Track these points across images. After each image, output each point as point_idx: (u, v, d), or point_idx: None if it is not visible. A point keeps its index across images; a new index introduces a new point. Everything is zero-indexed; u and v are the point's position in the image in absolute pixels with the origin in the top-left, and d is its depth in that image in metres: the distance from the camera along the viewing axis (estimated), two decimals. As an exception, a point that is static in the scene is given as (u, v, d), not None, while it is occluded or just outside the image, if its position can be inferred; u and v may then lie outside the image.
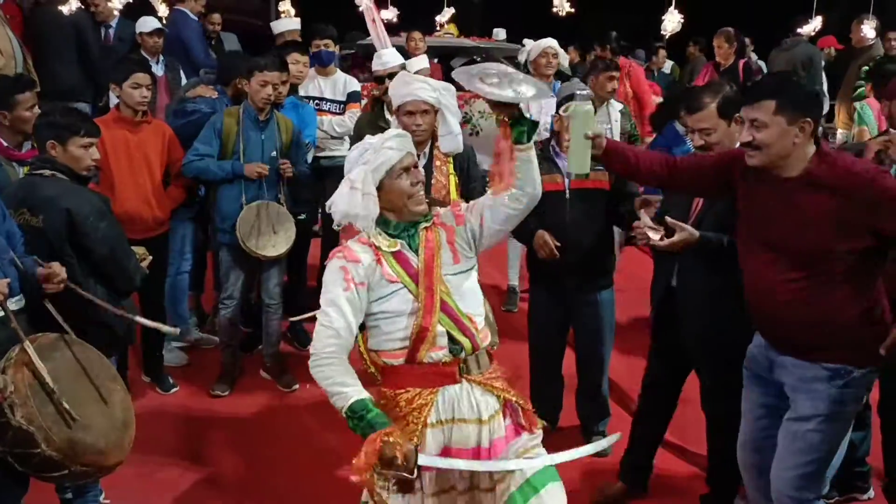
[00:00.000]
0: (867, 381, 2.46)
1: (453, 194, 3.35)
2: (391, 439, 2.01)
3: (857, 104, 5.49)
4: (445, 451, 2.28)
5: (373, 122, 3.99)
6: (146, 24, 5.60)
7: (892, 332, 2.30)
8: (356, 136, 4.00)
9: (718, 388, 3.05)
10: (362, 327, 2.31)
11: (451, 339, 2.26)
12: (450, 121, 3.26)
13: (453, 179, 3.38)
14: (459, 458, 2.25)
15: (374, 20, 4.18)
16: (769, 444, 2.61)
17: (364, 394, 2.11)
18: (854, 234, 2.27)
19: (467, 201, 3.32)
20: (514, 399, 2.36)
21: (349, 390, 2.10)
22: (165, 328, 2.87)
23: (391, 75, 3.87)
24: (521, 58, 5.66)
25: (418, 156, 3.28)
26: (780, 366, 2.51)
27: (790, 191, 2.36)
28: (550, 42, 5.26)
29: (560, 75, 5.53)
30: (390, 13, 8.61)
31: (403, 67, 3.97)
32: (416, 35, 6.76)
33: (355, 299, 2.20)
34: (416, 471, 2.06)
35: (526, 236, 3.54)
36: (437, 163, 3.35)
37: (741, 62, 6.57)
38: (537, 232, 3.40)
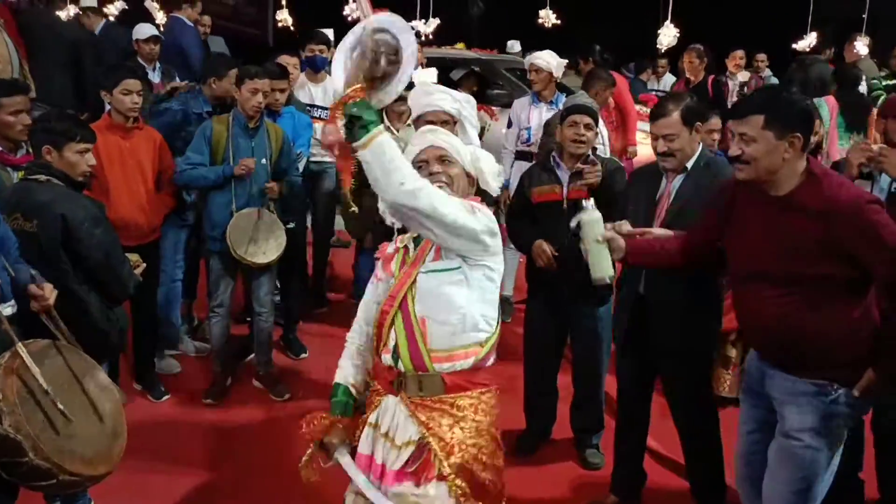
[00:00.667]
0: (857, 403, 2.40)
1: None
2: (325, 424, 2.18)
3: (815, 100, 5.62)
4: (366, 458, 2.18)
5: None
6: (142, 31, 5.60)
7: (867, 374, 2.31)
8: None
9: (688, 396, 3.08)
10: None
11: (396, 345, 2.08)
12: (469, 132, 3.28)
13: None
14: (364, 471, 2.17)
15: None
16: (759, 458, 2.61)
17: (346, 378, 2.26)
18: (836, 260, 2.26)
19: None
20: (433, 445, 2.04)
21: (339, 371, 2.29)
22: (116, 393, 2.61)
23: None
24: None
25: None
26: (769, 378, 2.51)
27: (776, 211, 2.37)
28: (533, 57, 5.29)
29: (563, 88, 5.54)
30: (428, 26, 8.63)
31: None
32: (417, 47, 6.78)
33: (374, 291, 2.26)
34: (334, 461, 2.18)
35: (524, 245, 3.55)
36: None
37: (710, 78, 6.62)
38: (535, 241, 3.41)
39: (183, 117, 4.38)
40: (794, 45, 8.55)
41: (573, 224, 2.66)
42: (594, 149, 3.67)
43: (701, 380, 3.06)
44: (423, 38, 9.01)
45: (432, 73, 5.19)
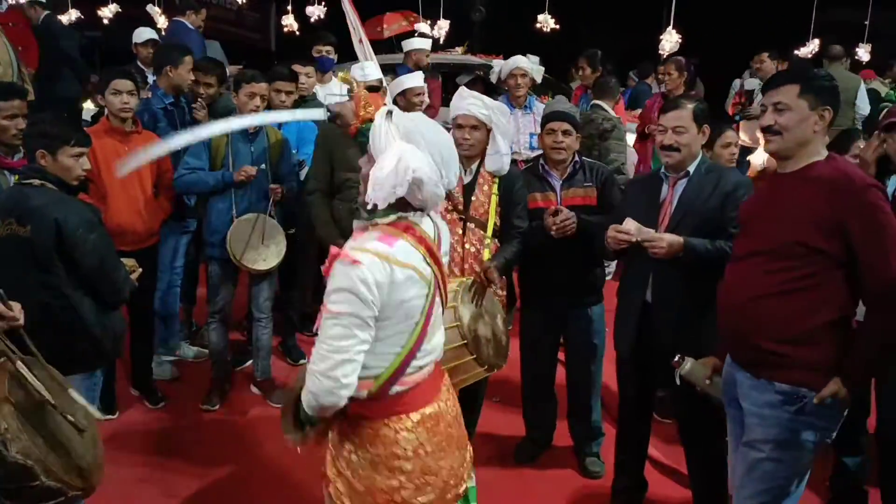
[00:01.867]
0: (826, 414, 2.34)
1: (492, 214, 3.36)
2: None
3: None
4: None
5: (344, 136, 3.86)
6: (141, 34, 5.60)
7: (832, 382, 2.28)
8: (323, 148, 3.93)
9: (693, 407, 3.03)
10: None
11: None
12: (499, 141, 3.31)
13: (494, 199, 3.36)
14: None
15: (360, 40, 4.15)
16: None
17: None
18: (830, 234, 2.25)
19: (504, 222, 3.36)
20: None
21: None
22: (92, 410, 2.45)
23: (370, 88, 3.85)
24: (493, 77, 5.64)
25: (465, 171, 3.31)
26: (738, 386, 2.49)
27: (783, 184, 2.41)
28: (519, 62, 5.26)
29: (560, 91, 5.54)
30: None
31: (381, 81, 3.95)
32: (425, 51, 6.76)
33: None
34: None
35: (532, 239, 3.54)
36: (481, 181, 3.35)
37: (692, 94, 6.21)
38: (545, 218, 3.38)
39: (150, 117, 4.34)
40: (796, 52, 8.52)
41: (678, 381, 2.73)
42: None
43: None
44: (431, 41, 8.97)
45: (418, 76, 5.19)
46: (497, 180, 3.39)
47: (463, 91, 3.38)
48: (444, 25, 8.94)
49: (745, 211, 2.58)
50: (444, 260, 2.14)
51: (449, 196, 3.09)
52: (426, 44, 6.66)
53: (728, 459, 2.73)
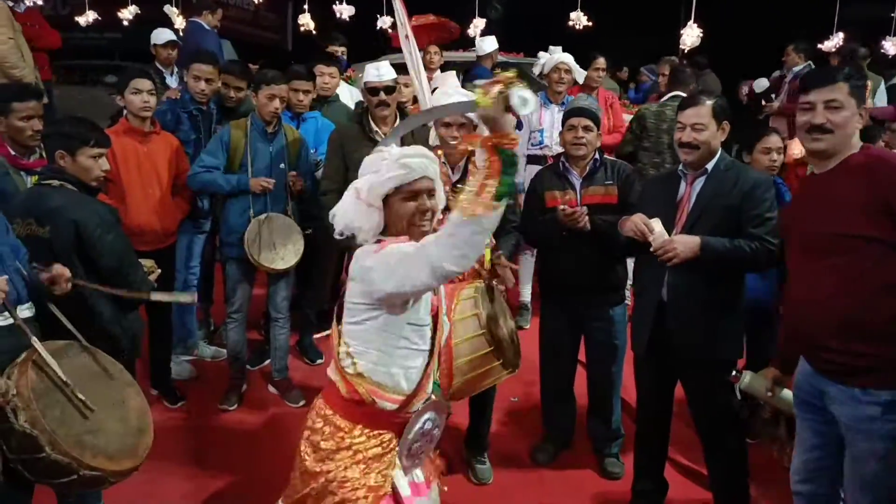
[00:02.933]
0: None
1: None
2: None
3: None
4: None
5: (359, 135, 3.87)
6: (160, 36, 5.61)
7: None
8: (339, 147, 3.88)
9: (712, 406, 3.01)
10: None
11: None
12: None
13: None
14: None
15: (406, 36, 4.06)
16: (821, 475, 2.51)
17: None
18: (878, 218, 2.22)
19: None
20: None
21: None
22: (182, 297, 2.91)
23: (386, 88, 3.81)
24: (536, 70, 5.59)
25: (453, 169, 3.25)
26: (830, 398, 2.39)
27: (820, 182, 2.40)
28: (564, 57, 5.21)
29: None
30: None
31: (396, 82, 3.91)
32: (433, 49, 6.73)
33: None
34: None
35: (545, 234, 3.53)
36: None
37: (652, 97, 6.21)
38: (558, 212, 3.35)
39: (173, 118, 4.36)
40: (819, 46, 8.39)
41: (739, 395, 2.72)
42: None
43: (725, 389, 2.97)
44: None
45: (452, 76, 5.16)
46: None
47: (448, 88, 3.31)
48: (479, 24, 8.84)
49: (787, 216, 2.55)
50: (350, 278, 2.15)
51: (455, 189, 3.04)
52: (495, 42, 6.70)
53: (785, 463, 2.66)
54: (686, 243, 2.81)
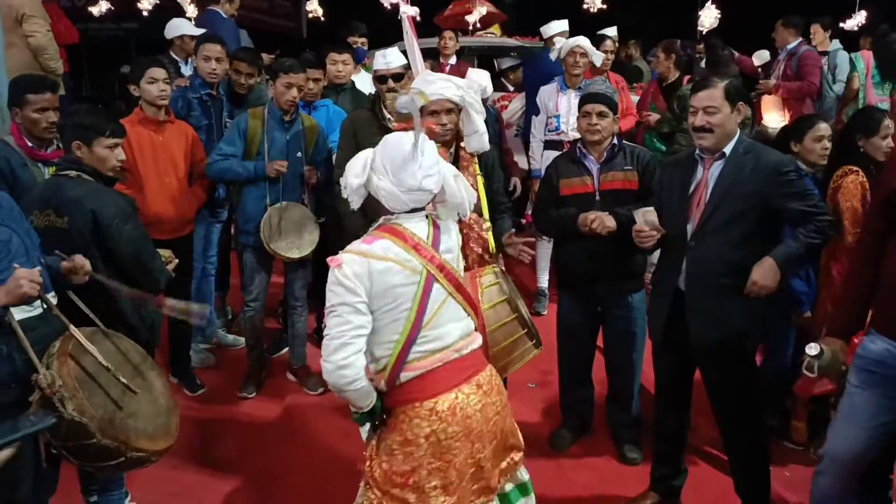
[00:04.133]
0: None
1: (482, 193, 3.27)
2: None
3: (852, 55, 6.13)
4: None
5: (371, 121, 3.80)
6: (173, 30, 5.58)
7: None
8: (351, 136, 3.80)
9: (731, 394, 2.98)
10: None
11: None
12: (475, 119, 3.18)
13: (481, 179, 3.29)
14: None
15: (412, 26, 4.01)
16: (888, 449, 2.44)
17: None
18: None
19: (489, 202, 3.29)
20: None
21: None
22: (195, 307, 2.81)
23: (395, 76, 3.79)
24: (552, 56, 5.52)
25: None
26: None
27: None
28: (580, 41, 5.15)
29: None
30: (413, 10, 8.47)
31: (407, 68, 3.87)
32: (448, 34, 6.66)
33: None
34: None
35: (558, 229, 3.53)
36: (464, 163, 3.26)
37: (685, 79, 5.83)
38: (580, 216, 3.33)
39: (184, 104, 4.36)
40: (841, 24, 8.23)
41: (816, 372, 2.53)
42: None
43: (744, 377, 2.95)
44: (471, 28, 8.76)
45: (483, 74, 5.15)
46: (477, 159, 3.30)
47: (429, 75, 3.24)
48: (482, 9, 8.76)
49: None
50: (450, 256, 2.27)
51: None
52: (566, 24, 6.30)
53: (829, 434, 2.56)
54: (764, 273, 2.74)
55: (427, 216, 2.26)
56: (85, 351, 2.30)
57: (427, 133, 3.20)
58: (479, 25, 8.54)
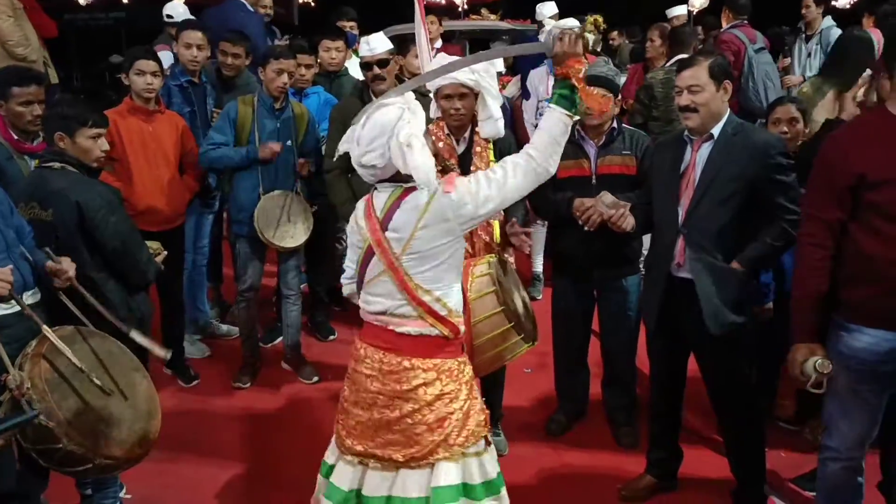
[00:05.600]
0: None
1: None
2: None
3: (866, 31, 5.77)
4: None
5: (360, 109, 3.77)
6: (176, 11, 5.48)
7: None
8: (340, 124, 3.78)
9: (725, 379, 2.97)
10: None
11: None
12: (490, 104, 3.08)
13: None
14: None
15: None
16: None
17: None
18: None
19: None
20: None
21: None
22: (157, 350, 2.66)
23: (380, 62, 3.74)
24: (541, 38, 5.47)
25: (458, 141, 3.18)
26: None
27: None
28: (571, 22, 5.09)
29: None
30: None
31: (392, 53, 3.82)
32: (430, 18, 6.59)
33: None
34: None
35: (553, 214, 3.48)
36: (478, 149, 3.19)
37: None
38: (575, 201, 3.28)
39: (164, 91, 4.25)
40: (833, 3, 8.19)
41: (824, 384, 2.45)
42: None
43: (738, 358, 2.93)
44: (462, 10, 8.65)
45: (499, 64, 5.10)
46: (492, 145, 3.24)
47: (442, 58, 3.14)
48: None
49: (879, 166, 2.26)
50: (394, 235, 2.26)
51: (445, 169, 2.97)
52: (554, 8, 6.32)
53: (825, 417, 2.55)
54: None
55: (400, 187, 2.27)
56: (60, 352, 2.26)
57: (442, 118, 3.17)
58: (466, 7, 8.46)
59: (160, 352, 2.65)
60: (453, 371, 2.31)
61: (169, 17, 5.72)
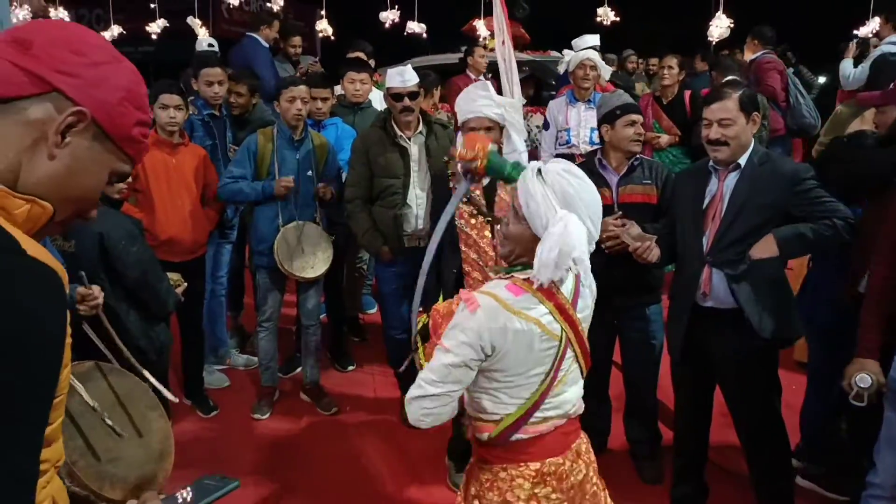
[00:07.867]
0: None
1: None
2: None
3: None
4: None
5: (382, 139, 3.84)
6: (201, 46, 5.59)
7: None
8: (363, 153, 3.84)
9: (751, 409, 2.92)
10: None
11: None
12: (514, 138, 3.09)
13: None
14: None
15: (503, 42, 3.80)
16: None
17: None
18: None
19: None
20: None
21: None
22: (167, 393, 2.56)
23: (410, 94, 3.78)
24: (561, 69, 5.49)
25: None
26: None
27: None
28: (589, 54, 5.11)
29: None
30: (419, 27, 8.54)
31: (419, 86, 3.87)
32: (479, 51, 6.73)
33: None
34: None
35: None
36: (502, 182, 3.21)
37: (687, 93, 5.67)
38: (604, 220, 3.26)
39: (187, 125, 4.31)
40: (855, 32, 8.14)
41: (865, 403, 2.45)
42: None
43: (766, 387, 2.87)
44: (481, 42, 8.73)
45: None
46: None
47: (471, 91, 3.16)
48: (479, 26, 8.78)
49: None
50: (583, 315, 2.04)
51: (471, 200, 2.98)
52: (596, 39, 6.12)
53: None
54: (759, 247, 2.68)
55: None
56: (74, 390, 2.24)
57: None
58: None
59: (170, 395, 2.62)
60: None
61: (210, 45, 5.83)
